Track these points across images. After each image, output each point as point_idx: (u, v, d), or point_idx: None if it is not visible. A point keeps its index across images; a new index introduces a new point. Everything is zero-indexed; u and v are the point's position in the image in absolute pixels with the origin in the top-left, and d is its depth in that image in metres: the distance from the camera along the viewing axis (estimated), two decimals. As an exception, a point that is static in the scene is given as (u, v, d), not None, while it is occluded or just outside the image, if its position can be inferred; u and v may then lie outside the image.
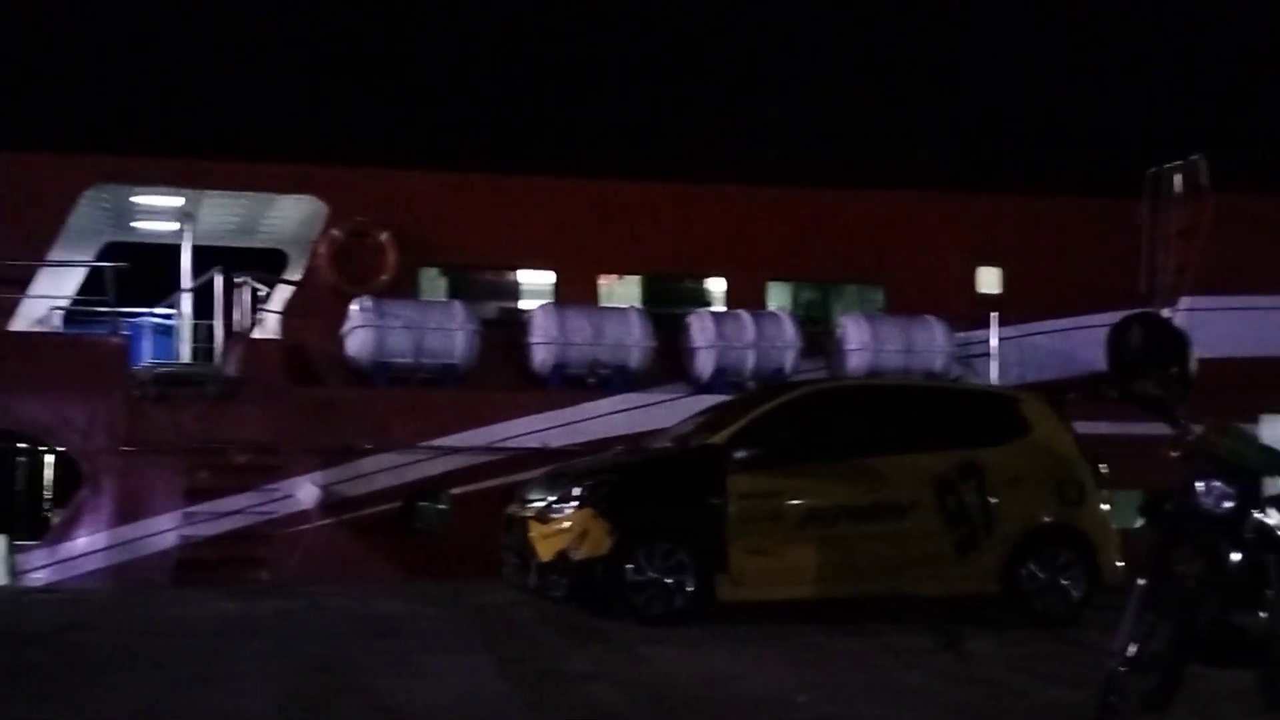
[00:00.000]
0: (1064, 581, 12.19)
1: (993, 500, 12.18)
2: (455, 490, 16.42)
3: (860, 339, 18.15)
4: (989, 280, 19.90)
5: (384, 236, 17.66)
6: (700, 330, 17.73)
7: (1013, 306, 18.88)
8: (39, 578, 15.23)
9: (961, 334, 18.66)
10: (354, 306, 16.87)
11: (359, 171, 18.26)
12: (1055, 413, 12.96)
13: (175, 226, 19.55)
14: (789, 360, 17.72)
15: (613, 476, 12.01)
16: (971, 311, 18.85)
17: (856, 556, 11.78)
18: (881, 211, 19.83)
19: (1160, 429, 7.31)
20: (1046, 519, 12.40)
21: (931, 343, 18.30)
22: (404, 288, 17.83)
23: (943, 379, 17.71)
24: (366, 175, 18.28)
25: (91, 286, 18.03)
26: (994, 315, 18.43)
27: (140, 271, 18.34)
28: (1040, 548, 12.26)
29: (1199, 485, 6.78)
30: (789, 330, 17.87)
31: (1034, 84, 29.42)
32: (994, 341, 18.32)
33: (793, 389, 13.64)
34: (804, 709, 8.00)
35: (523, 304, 18.99)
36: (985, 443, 12.46)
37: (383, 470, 16.23)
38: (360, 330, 16.70)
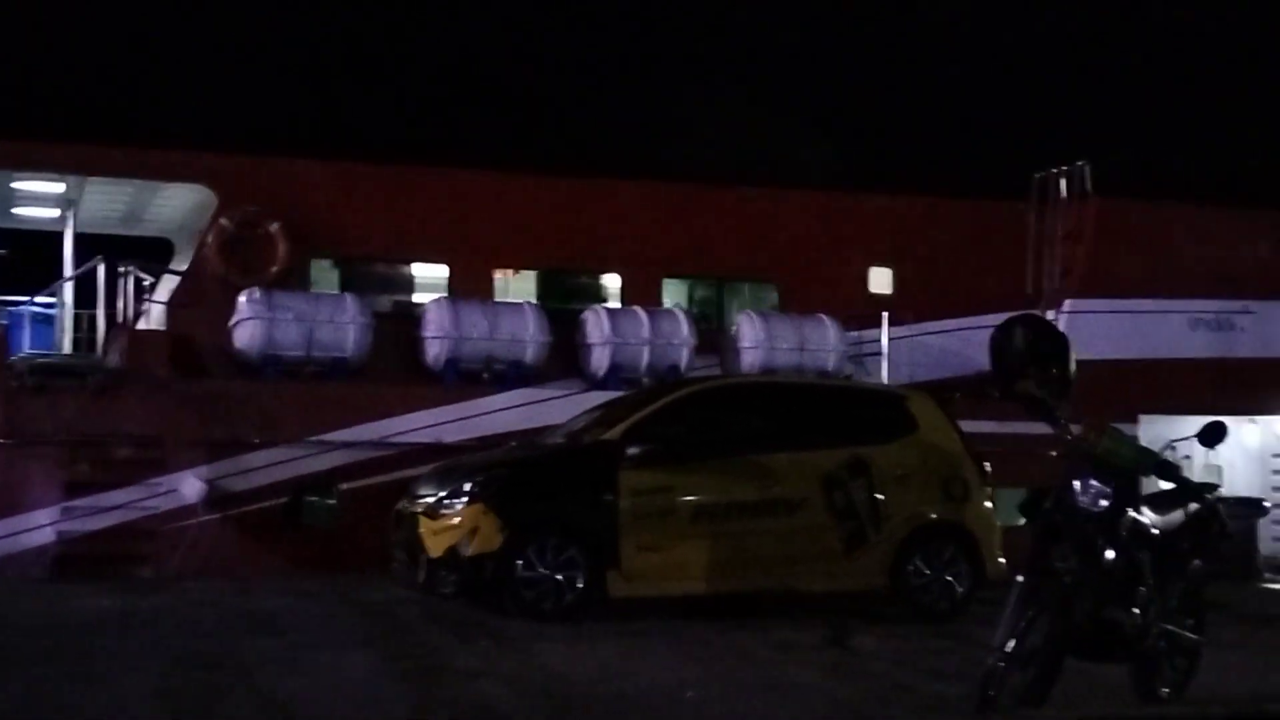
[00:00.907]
0: (949, 577, 12.40)
1: (880, 497, 12.35)
2: (345, 485, 16.19)
3: (754, 337, 18.29)
4: (881, 280, 20.17)
5: (274, 227, 17.34)
6: (595, 326, 17.73)
7: (904, 307, 19.15)
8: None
9: (854, 333, 18.89)
10: (242, 298, 16.55)
11: (249, 160, 17.92)
12: (942, 412, 13.18)
13: (57, 213, 19.02)
14: (683, 357, 17.78)
15: (504, 472, 11.96)
16: (864, 311, 19.09)
17: (747, 552, 11.87)
18: (777, 210, 20.01)
19: (1042, 429, 7.48)
20: (933, 516, 12.60)
21: (824, 341, 18.51)
22: (295, 279, 17.54)
23: (834, 377, 17.92)
24: (257, 164, 17.94)
25: (-32, 274, 17.48)
26: (885, 315, 18.68)
27: (20, 259, 17.81)
28: (926, 544, 12.46)
29: (1076, 484, 6.95)
30: (684, 327, 17.94)
31: (929, 88, 29.92)
32: (885, 341, 18.57)
33: (686, 386, 13.70)
34: (692, 704, 8.03)
35: (417, 297, 18.81)
36: (874, 440, 12.63)
37: (271, 465, 15.95)
38: (248, 322, 16.39)
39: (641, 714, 7.70)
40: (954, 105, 29.55)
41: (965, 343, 18.11)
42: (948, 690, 8.51)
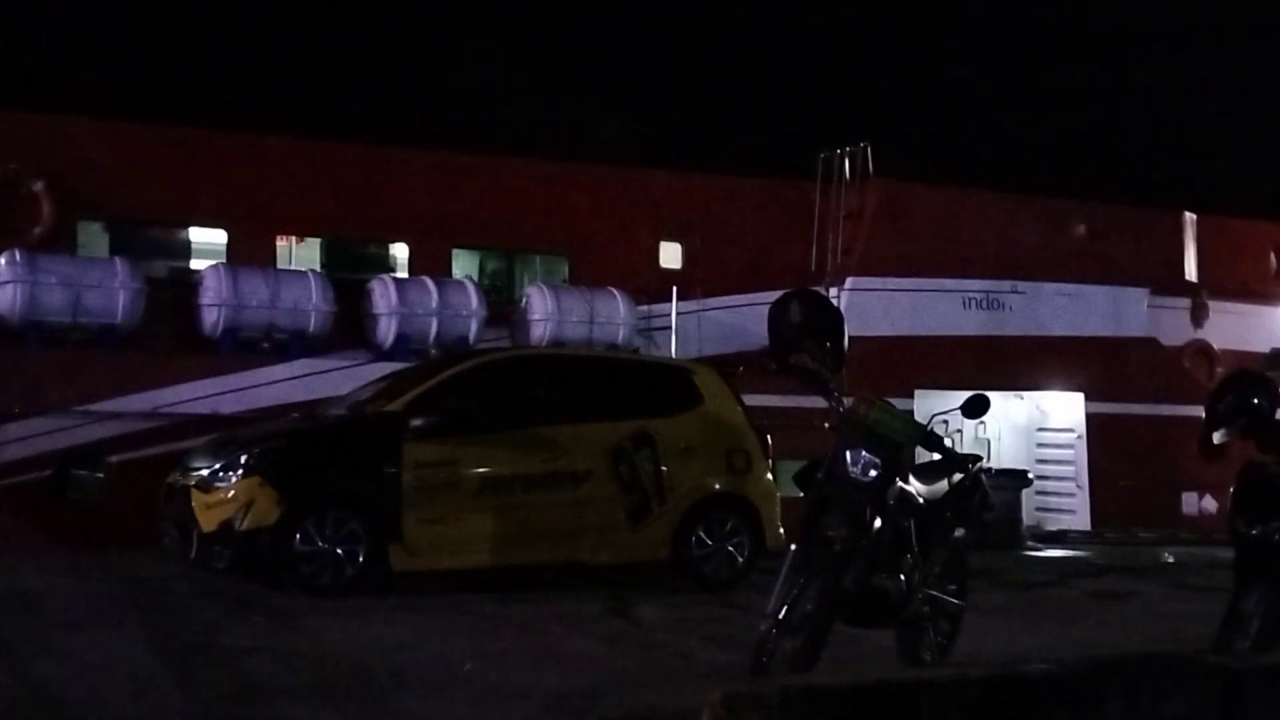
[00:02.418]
0: (730, 547, 12.64)
1: (665, 469, 12.49)
2: (115, 458, 15.50)
3: (544, 309, 18.23)
4: (671, 255, 20.36)
5: (38, 186, 16.43)
6: (382, 296, 17.37)
7: (692, 282, 19.38)
8: None
9: (644, 307, 19.03)
10: (2, 260, 15.63)
11: (10, 115, 16.89)
12: (726, 385, 13.39)
13: None
14: (472, 329, 17.59)
15: (282, 444, 11.65)
16: (654, 285, 19.24)
17: (532, 525, 11.85)
18: (569, 183, 19.96)
19: (821, 402, 7.65)
20: (716, 487, 12.81)
21: (614, 315, 18.58)
22: (61, 242, 16.65)
23: (623, 351, 18.02)
24: (20, 119, 16.93)
25: None
26: (674, 289, 18.87)
27: None
28: (709, 515, 12.66)
29: (848, 455, 7.12)
30: (473, 298, 17.75)
31: (722, 66, 30.30)
32: (674, 315, 18.77)
33: (472, 357, 13.56)
34: (469, 677, 7.96)
35: (194, 264, 18.10)
36: (660, 413, 12.76)
37: (34, 435, 15.14)
38: (9, 285, 15.47)
39: (419, 688, 7.59)
40: (745, 84, 30.02)
41: (751, 318, 18.42)
42: (725, 658, 8.65)
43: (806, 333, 7.33)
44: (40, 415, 15.20)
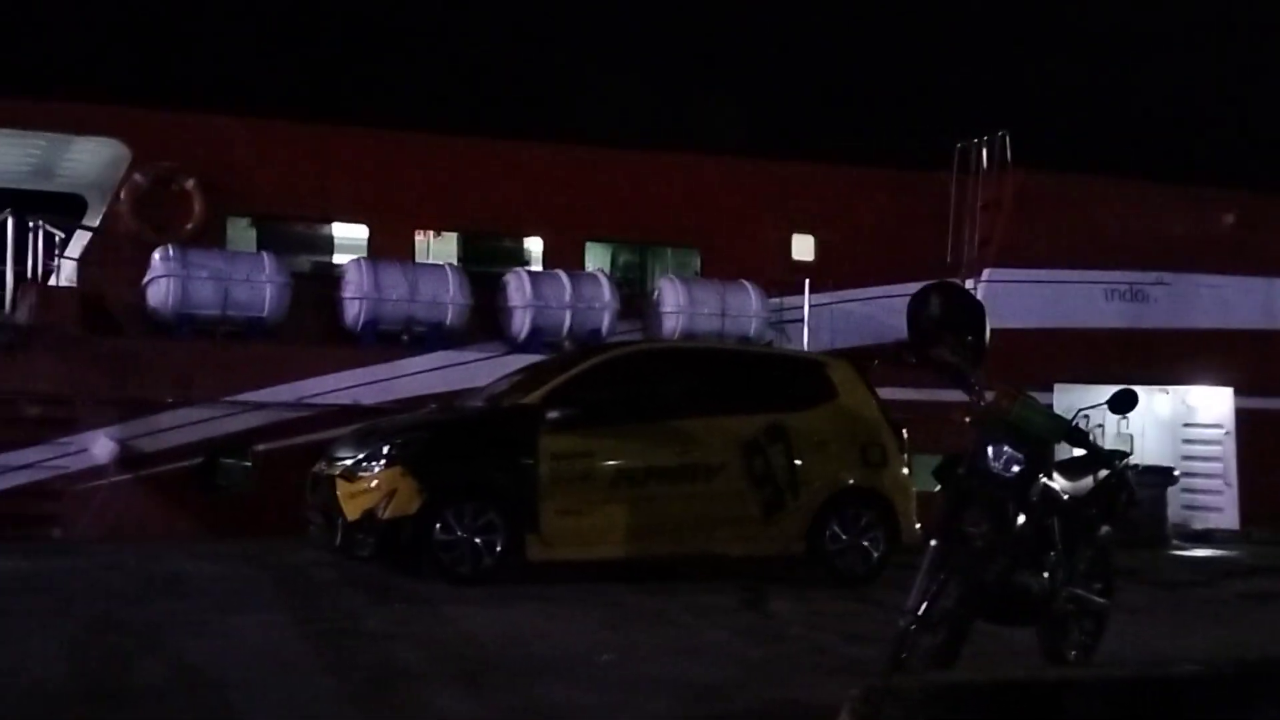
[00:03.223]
0: (865, 542, 12.54)
1: (799, 463, 12.44)
2: (261, 447, 15.98)
3: (676, 302, 18.28)
4: (803, 248, 20.24)
5: (190, 183, 17.00)
6: (517, 289, 17.60)
7: (825, 274, 19.24)
8: None
9: (775, 299, 18.96)
10: (156, 255, 16.21)
11: (165, 115, 17.50)
12: (861, 378, 13.28)
13: (-37, 166, 18.51)
14: (605, 321, 17.73)
15: (423, 434, 11.86)
16: (785, 278, 19.16)
17: (666, 517, 11.90)
18: (701, 176, 19.98)
19: (958, 395, 7.54)
20: (850, 481, 12.72)
21: (746, 307, 18.55)
22: (211, 237, 17.21)
23: (755, 343, 17.97)
24: (173, 119, 17.53)
25: None
26: (807, 282, 18.77)
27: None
28: (843, 509, 12.58)
29: (989, 450, 7.00)
30: (606, 291, 17.87)
31: (857, 55, 29.98)
32: (806, 308, 18.67)
33: (607, 350, 13.65)
34: (607, 667, 8.03)
35: (336, 258, 18.55)
36: (793, 407, 12.71)
37: (184, 425, 15.68)
38: (162, 280, 16.06)
39: (555, 676, 7.68)
40: (880, 73, 29.66)
41: (885, 310, 18.24)
42: (861, 653, 8.59)
43: (946, 326, 7.22)
44: (190, 405, 15.71)
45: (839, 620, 10.23)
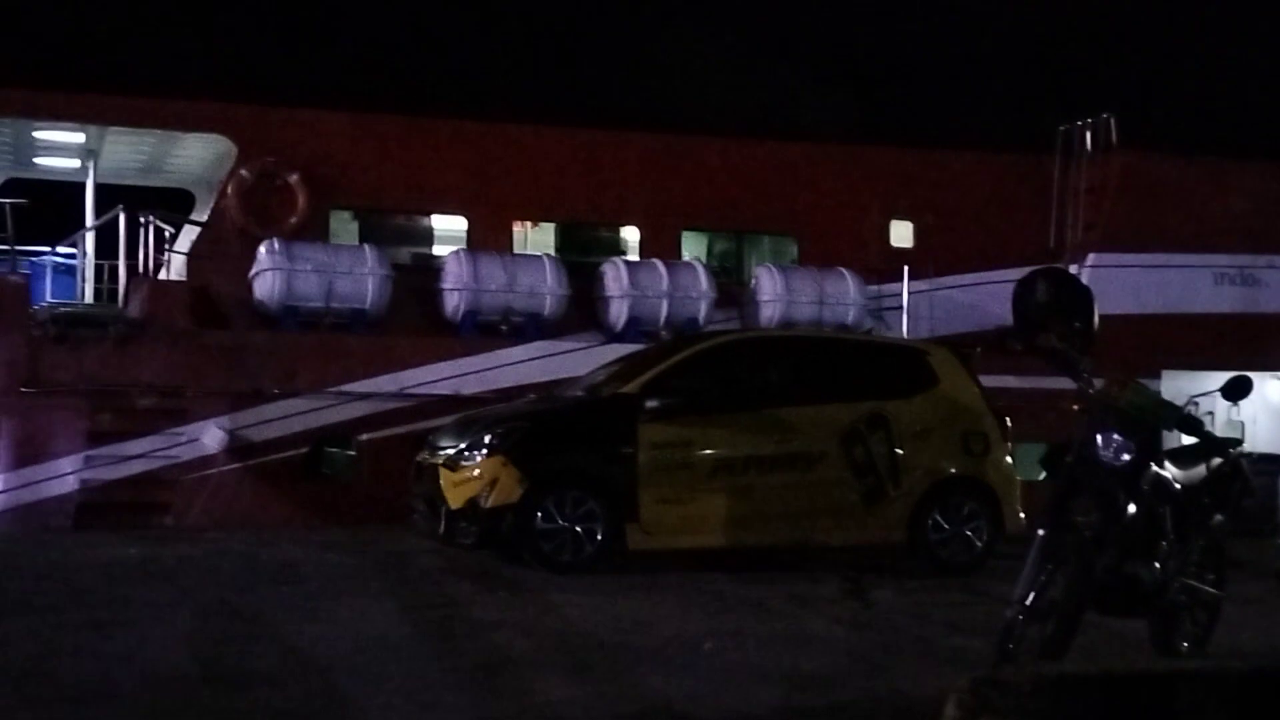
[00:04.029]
0: (968, 531, 12.40)
1: (900, 451, 12.34)
2: (364, 436, 16.26)
3: (773, 290, 18.22)
4: (902, 234, 20.06)
5: (293, 178, 17.32)
6: (614, 279, 17.67)
7: (924, 260, 19.05)
8: (-66, 521, 14.83)
9: (874, 287, 18.81)
10: (262, 249, 16.54)
11: (269, 111, 17.85)
12: (962, 366, 13.13)
13: (78, 163, 19.04)
14: (702, 310, 17.73)
15: (524, 424, 11.96)
16: (884, 265, 19.00)
17: (765, 506, 11.88)
18: (797, 163, 19.89)
19: (1063, 383, 7.43)
20: (952, 470, 12.58)
21: (844, 295, 18.43)
22: (314, 231, 17.52)
23: (854, 331, 17.86)
24: (277, 115, 17.88)
25: (-11, 224, 17.46)
26: (906, 269, 18.60)
27: (41, 209, 17.80)
28: (946, 498, 12.45)
29: (1099, 438, 6.90)
30: (703, 280, 17.88)
31: (952, 39, 29.56)
32: (905, 295, 18.49)
33: (705, 339, 13.66)
34: (709, 655, 8.06)
35: (436, 250, 18.79)
36: (894, 395, 12.59)
37: (290, 415, 16.01)
38: (268, 273, 16.39)
39: (659, 665, 7.73)
40: (977, 55, 29.20)
41: (986, 296, 18.01)
42: (965, 643, 8.52)
43: (1054, 312, 7.12)
44: (295, 396, 16.03)
45: (942, 610, 10.14)
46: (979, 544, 12.38)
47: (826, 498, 12.10)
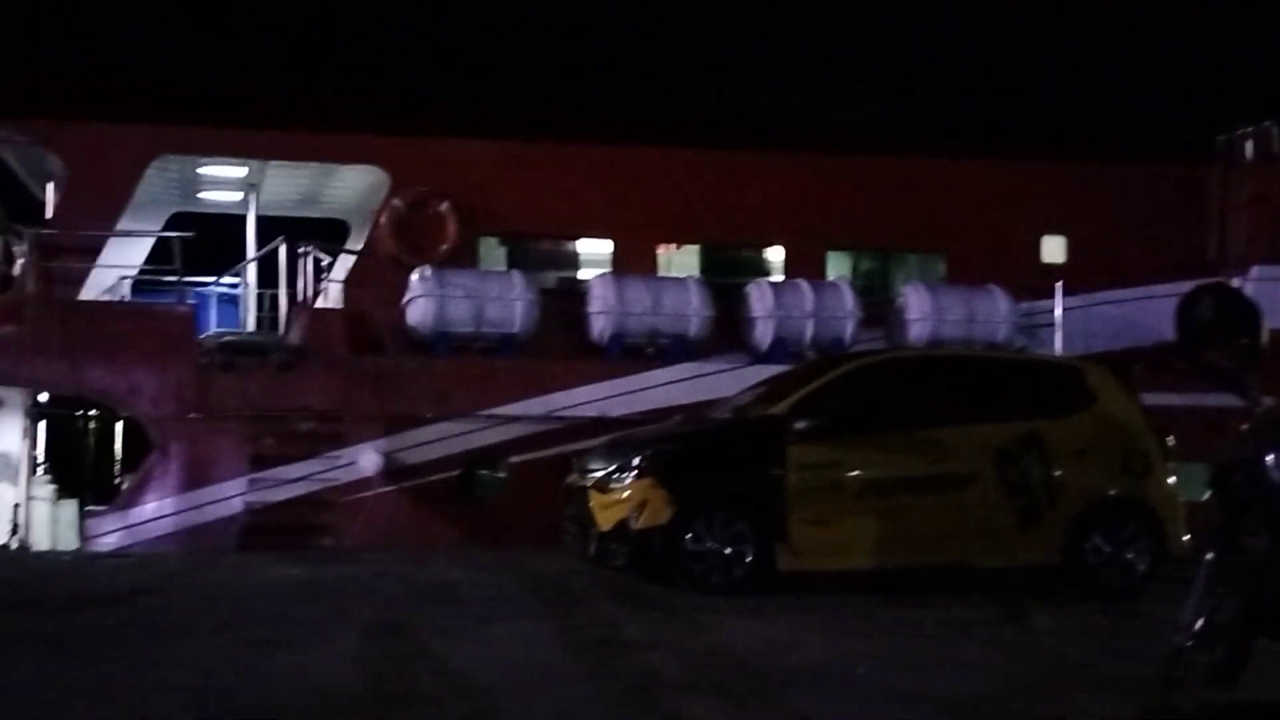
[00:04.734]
0: (1129, 554, 12.04)
1: (1056, 472, 12.06)
2: (514, 459, 16.51)
3: (921, 309, 18.01)
4: (1053, 249, 19.67)
5: (444, 206, 17.75)
6: (759, 300, 17.67)
7: (1078, 276, 18.63)
8: (108, 542, 15.51)
9: (1025, 304, 18.46)
10: (414, 276, 16.96)
11: (420, 141, 18.33)
12: (1121, 383, 12.79)
13: (240, 197, 19.79)
14: (848, 330, 17.61)
15: (673, 446, 12.02)
16: (1035, 281, 18.64)
17: (917, 528, 11.72)
18: (944, 180, 19.65)
19: (1229, 400, 7.19)
20: (1111, 491, 12.26)
21: (994, 312, 18.13)
22: (464, 257, 17.90)
23: (1005, 349, 17.54)
24: (427, 145, 18.35)
25: (159, 256, 18.27)
26: (1058, 285, 18.22)
27: (206, 241, 18.55)
28: (1105, 520, 12.12)
29: (1269, 458, 6.65)
30: (848, 300, 17.76)
31: (1102, 50, 28.91)
32: (1058, 311, 18.11)
33: (853, 359, 13.55)
34: (864, 679, 7.98)
35: (582, 273, 19.02)
36: (1049, 414, 12.32)
37: (443, 439, 16.36)
38: (421, 300, 16.80)
39: (810, 687, 7.69)
40: (1130, 66, 28.50)
41: (1143, 312, 17.54)
42: (1129, 669, 8.27)
43: (1219, 328, 6.90)
44: (447, 419, 16.36)
45: (1103, 635, 9.89)
46: (1140, 567, 12.02)
47: (979, 519, 11.89)
